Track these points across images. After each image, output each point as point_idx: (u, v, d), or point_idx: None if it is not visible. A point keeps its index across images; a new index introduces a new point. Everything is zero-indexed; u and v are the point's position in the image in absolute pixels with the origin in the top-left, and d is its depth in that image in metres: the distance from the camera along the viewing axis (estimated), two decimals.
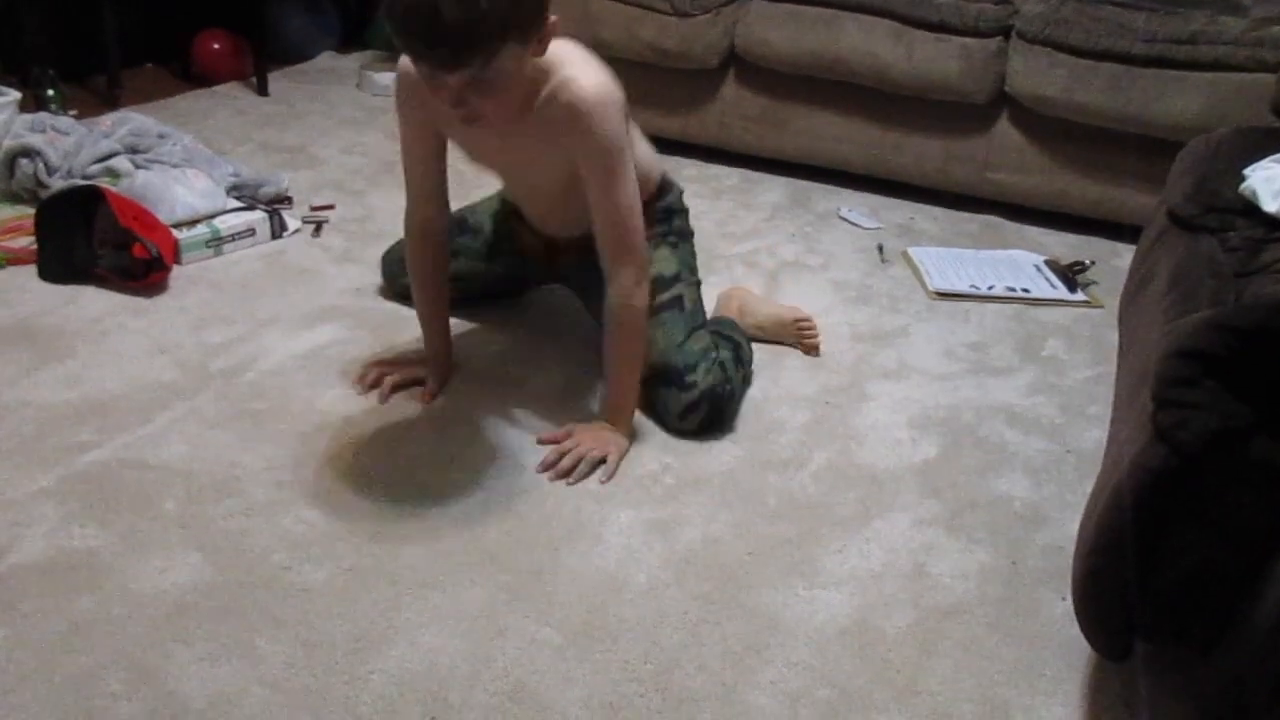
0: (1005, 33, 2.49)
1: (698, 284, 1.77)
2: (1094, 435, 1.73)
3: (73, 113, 2.68)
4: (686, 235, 1.80)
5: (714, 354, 1.67)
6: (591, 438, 1.57)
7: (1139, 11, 2.46)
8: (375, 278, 2.08)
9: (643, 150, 1.67)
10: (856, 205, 2.65)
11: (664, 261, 1.71)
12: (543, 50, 1.37)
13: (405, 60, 1.44)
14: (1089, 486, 1.22)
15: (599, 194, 1.49)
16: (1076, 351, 2.02)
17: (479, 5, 1.21)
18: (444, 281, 1.72)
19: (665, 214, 1.76)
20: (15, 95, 2.31)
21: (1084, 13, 2.44)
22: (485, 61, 1.27)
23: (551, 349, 1.88)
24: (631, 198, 1.51)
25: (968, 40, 2.48)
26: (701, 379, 1.62)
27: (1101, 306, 2.19)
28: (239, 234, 2.17)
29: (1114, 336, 1.69)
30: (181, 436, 1.56)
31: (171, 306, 1.94)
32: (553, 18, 1.34)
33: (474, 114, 1.35)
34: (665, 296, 1.68)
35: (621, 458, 1.57)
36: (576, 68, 1.44)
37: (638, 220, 1.52)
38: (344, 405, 1.67)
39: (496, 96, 1.34)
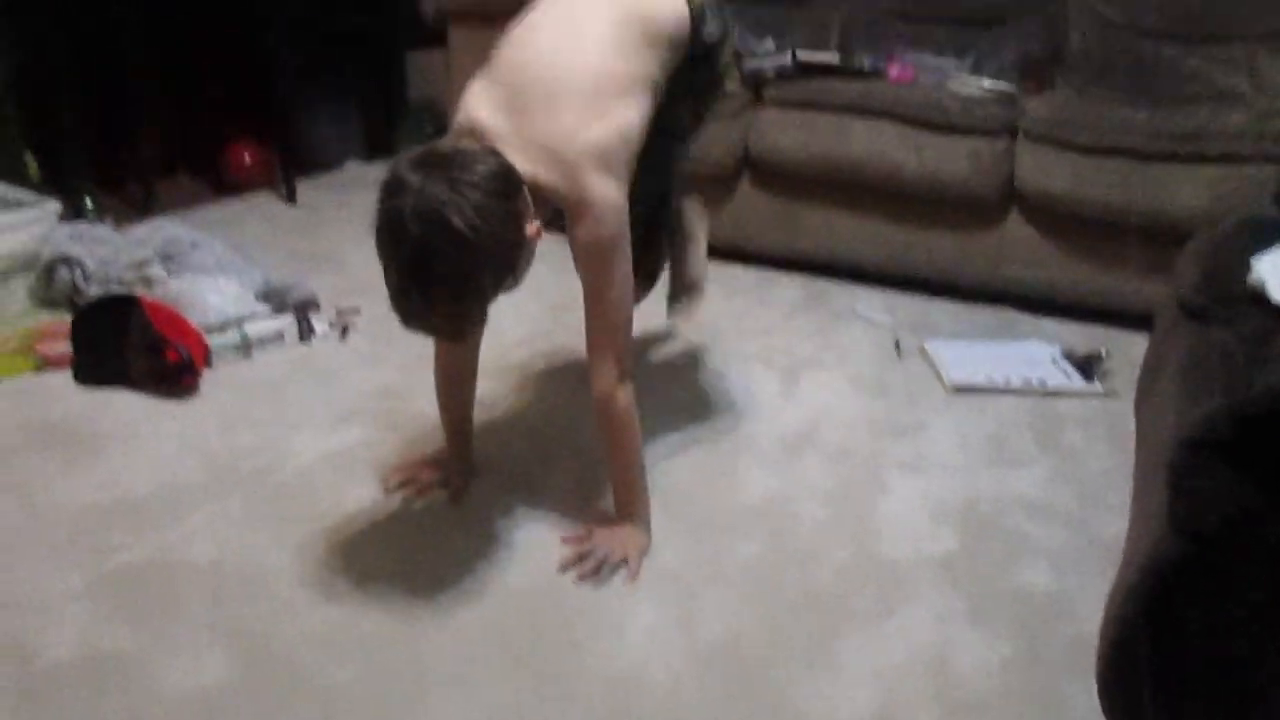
0: (1012, 132, 2.56)
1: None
2: (1115, 525, 1.72)
3: (109, 221, 2.78)
4: (713, 89, 1.80)
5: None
6: (612, 538, 1.59)
7: (1143, 109, 2.53)
8: (400, 379, 2.12)
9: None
10: (872, 302, 2.69)
11: (676, 117, 1.70)
12: (534, 241, 1.40)
13: None
14: (1112, 577, 1.22)
15: (589, 286, 1.51)
16: (1095, 442, 2.02)
17: (465, 314, 1.34)
18: (470, 388, 1.75)
19: (694, 62, 1.66)
20: (55, 205, 2.40)
21: (1088, 112, 2.51)
22: (484, 317, 1.38)
23: (570, 447, 1.91)
24: (622, 299, 1.51)
25: (975, 140, 2.55)
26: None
27: (1119, 397, 2.20)
28: (268, 338, 2.23)
29: (1132, 426, 1.69)
30: (210, 537, 1.58)
31: (202, 409, 1.98)
32: (531, 227, 1.37)
33: None
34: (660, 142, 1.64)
35: (643, 557, 1.58)
36: (585, 176, 1.42)
37: (626, 320, 1.54)
38: (369, 505, 1.69)
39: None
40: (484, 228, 1.27)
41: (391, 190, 1.29)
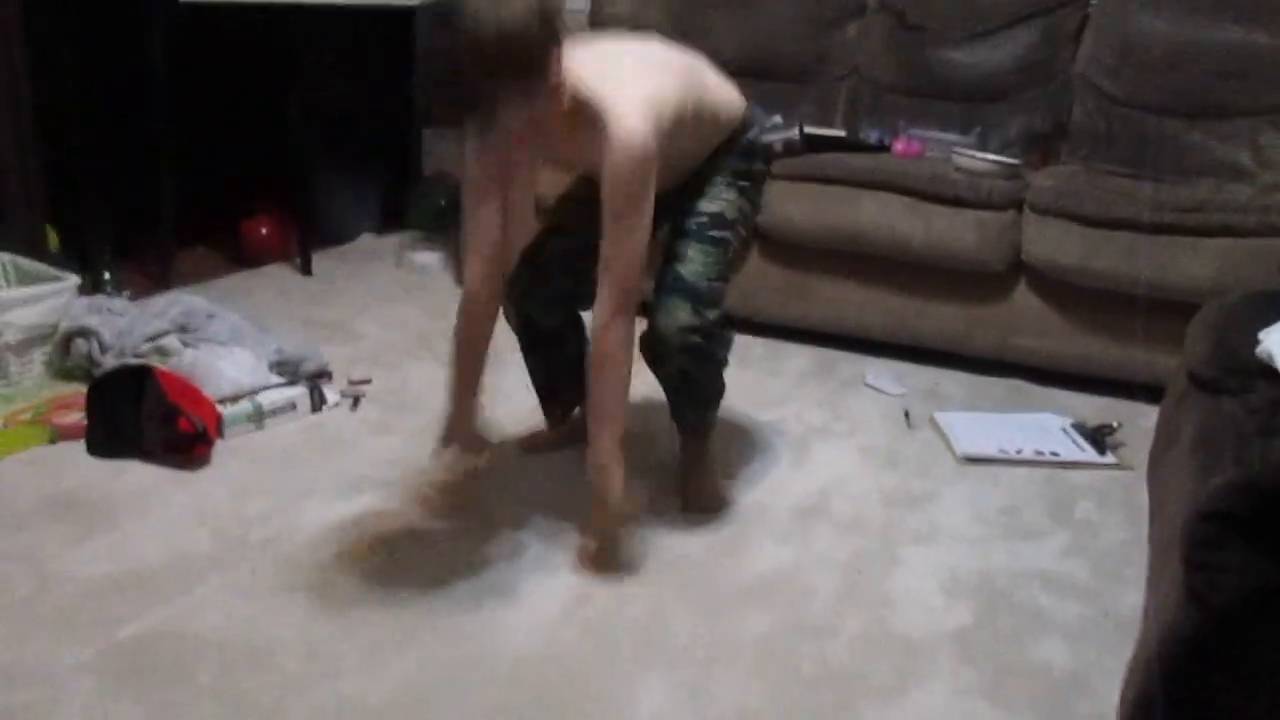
0: (1018, 205, 2.59)
1: (747, 241, 1.91)
2: (1131, 599, 1.71)
3: (127, 293, 2.82)
4: (759, 180, 1.92)
5: (729, 331, 1.85)
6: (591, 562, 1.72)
7: (1147, 182, 2.57)
8: (410, 449, 2.13)
9: (719, 87, 1.81)
10: (882, 371, 2.70)
11: (727, 204, 1.83)
12: (556, 75, 1.53)
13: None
14: (1129, 651, 1.20)
15: (612, 208, 1.57)
16: (1109, 514, 2.01)
17: (488, 95, 1.47)
18: (485, 344, 1.80)
19: (746, 152, 1.87)
20: (74, 279, 2.44)
21: (1094, 185, 2.54)
22: (490, 109, 1.49)
23: (583, 508, 1.90)
24: (644, 231, 1.58)
25: (982, 213, 2.58)
26: (710, 321, 1.76)
27: (1132, 468, 2.19)
28: (280, 408, 2.24)
29: (1145, 497, 1.69)
30: (218, 608, 1.58)
31: (213, 479, 1.99)
32: (556, 71, 1.51)
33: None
34: (715, 233, 1.80)
35: (623, 529, 1.74)
36: (625, 98, 1.56)
37: (643, 254, 1.60)
38: (378, 576, 1.69)
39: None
40: (523, 31, 1.44)
41: None
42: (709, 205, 1.83)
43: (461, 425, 1.82)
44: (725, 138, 1.84)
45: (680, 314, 1.75)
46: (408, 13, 3.76)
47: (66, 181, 3.09)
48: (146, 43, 2.88)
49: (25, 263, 2.50)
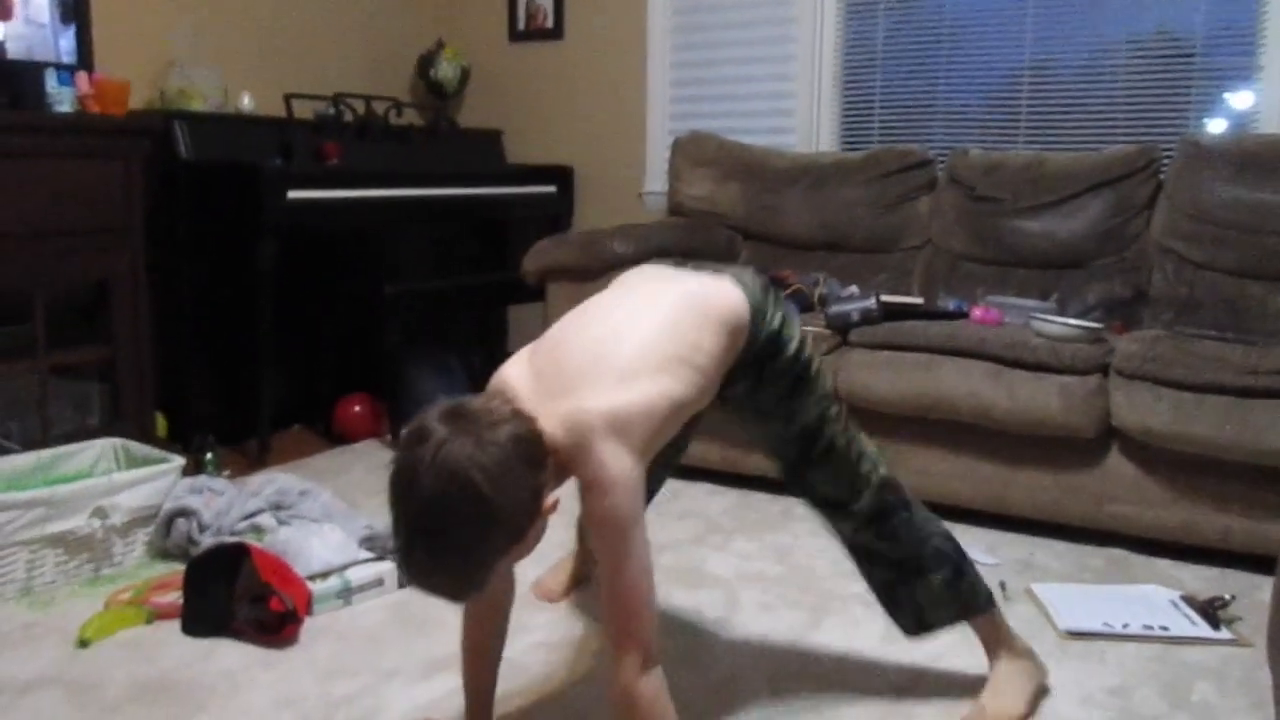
0: (1104, 370, 2.55)
1: (838, 409, 1.71)
2: None
3: (226, 473, 2.92)
4: (798, 360, 1.66)
5: (887, 494, 1.75)
6: None
7: (1235, 346, 2.52)
8: None
9: (710, 310, 1.54)
10: (973, 542, 2.62)
11: (800, 412, 1.68)
12: (548, 514, 1.36)
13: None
14: None
15: (605, 570, 1.40)
16: (1230, 696, 1.88)
17: (469, 576, 1.30)
18: (498, 646, 1.67)
19: (770, 348, 1.63)
20: (179, 462, 2.54)
21: (1180, 349, 2.51)
22: (486, 582, 1.33)
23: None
24: (639, 579, 1.39)
25: (1066, 378, 2.55)
26: (866, 509, 1.73)
27: (1251, 645, 2.06)
28: (368, 585, 2.27)
29: (1267, 677, 1.58)
30: None
31: (301, 658, 2.00)
32: (548, 503, 1.34)
33: None
34: (817, 447, 1.70)
35: None
36: (602, 447, 1.36)
37: (645, 602, 1.40)
38: None
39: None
40: (503, 491, 1.26)
41: (415, 439, 1.28)
42: (788, 430, 1.69)
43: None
44: (745, 345, 1.60)
45: (843, 526, 1.78)
46: (496, 202, 3.98)
47: (175, 371, 3.27)
48: (257, 237, 3.09)
49: (135, 446, 2.62)
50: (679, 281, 1.59)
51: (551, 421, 1.36)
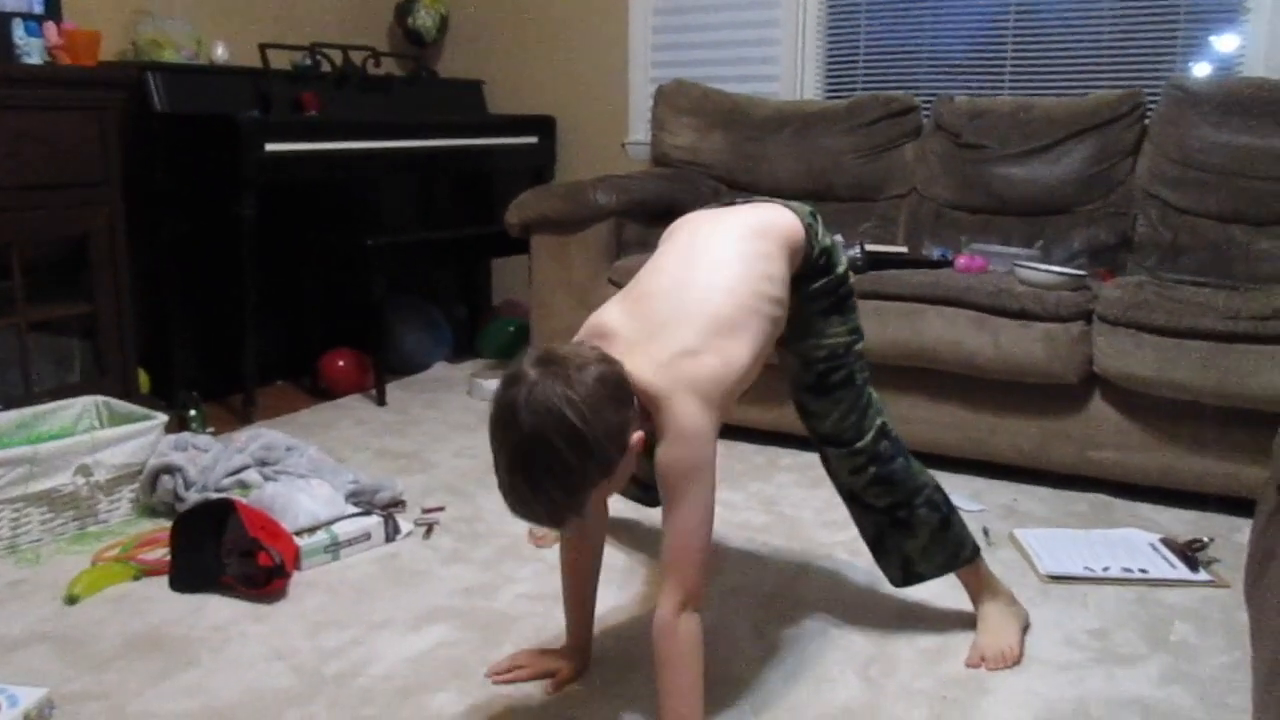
0: (1087, 317, 2.56)
1: (860, 354, 1.80)
2: None
3: (211, 430, 2.92)
4: (844, 285, 1.78)
5: (884, 443, 1.78)
6: None
7: (1218, 291, 2.53)
8: (483, 577, 2.13)
9: (776, 234, 1.66)
10: (957, 489, 2.64)
11: (830, 339, 1.75)
12: (638, 447, 1.44)
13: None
14: None
15: (668, 506, 1.47)
16: (1208, 635, 1.91)
17: (567, 504, 1.39)
18: (594, 572, 1.75)
19: (822, 267, 1.73)
20: (163, 418, 2.53)
21: (1163, 295, 2.51)
22: (582, 509, 1.41)
23: None
24: (698, 528, 1.46)
25: (1050, 325, 2.56)
26: (867, 451, 1.76)
27: (1228, 586, 2.09)
28: (355, 539, 2.27)
29: (1244, 617, 1.61)
30: None
31: (290, 612, 2.01)
32: (635, 437, 1.42)
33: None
34: (834, 376, 1.76)
35: None
36: (682, 399, 1.44)
37: (700, 549, 1.47)
38: (452, 709, 1.67)
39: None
40: (592, 425, 1.35)
41: (510, 381, 1.39)
42: (815, 350, 1.75)
43: (577, 645, 1.79)
44: (801, 261, 1.70)
45: (840, 465, 1.81)
46: (478, 153, 3.94)
47: (158, 327, 3.24)
48: (236, 191, 3.05)
49: (117, 404, 2.60)
50: (738, 217, 1.69)
51: (639, 366, 1.45)
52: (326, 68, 3.68)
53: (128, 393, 2.84)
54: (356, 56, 3.77)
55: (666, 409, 1.43)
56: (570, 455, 1.35)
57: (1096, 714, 1.66)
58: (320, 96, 3.52)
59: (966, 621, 1.96)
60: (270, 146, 3.09)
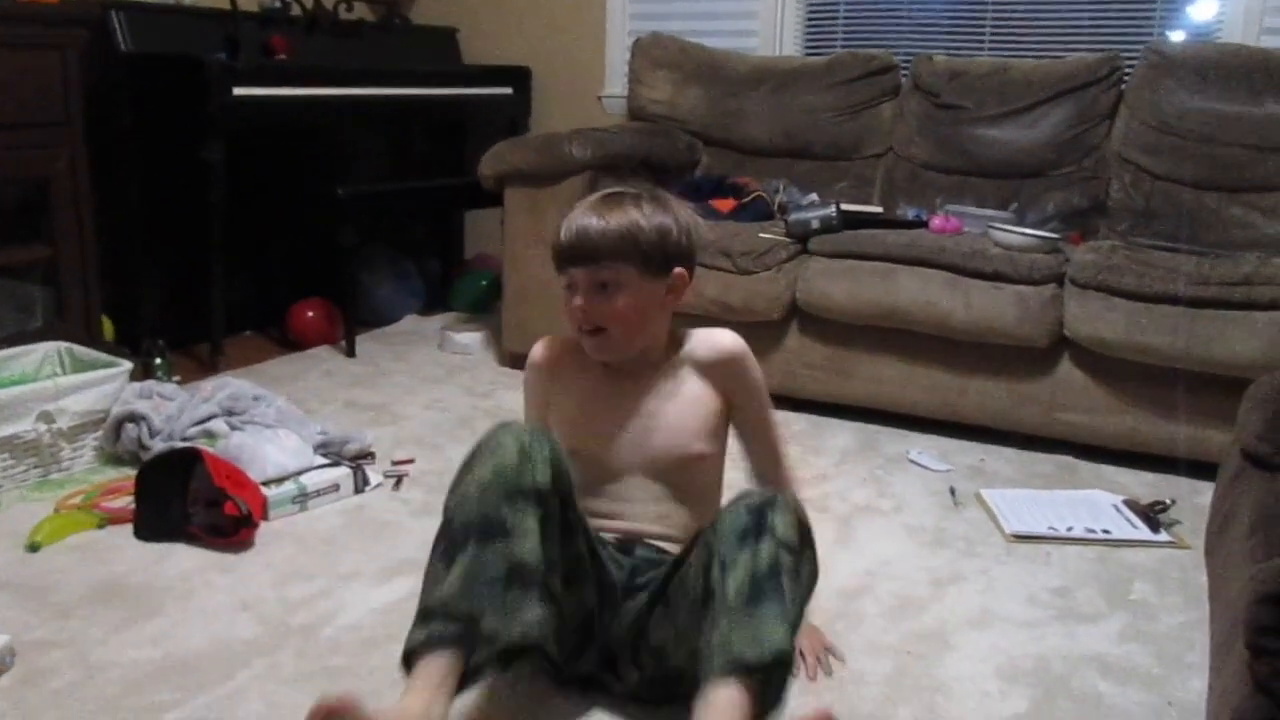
0: (1059, 280, 2.57)
1: None
2: (1195, 685, 1.64)
3: (177, 379, 2.88)
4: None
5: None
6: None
7: (1188, 256, 2.54)
8: None
9: None
10: (926, 448, 2.67)
11: None
12: (671, 300, 1.60)
13: (534, 352, 1.71)
14: None
15: (761, 424, 1.68)
16: (1167, 595, 1.95)
17: (615, 234, 1.54)
18: None
19: None
20: (127, 366, 2.49)
21: (1134, 259, 2.53)
22: (611, 267, 1.53)
23: None
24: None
25: (1022, 288, 2.57)
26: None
27: (1188, 547, 2.13)
28: (324, 490, 2.26)
29: (1203, 577, 1.64)
30: (259, 695, 1.57)
31: (257, 562, 1.99)
32: (679, 270, 1.58)
33: (595, 317, 1.55)
34: None
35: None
36: (707, 331, 1.67)
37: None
38: None
39: (615, 306, 1.54)
40: (680, 218, 1.58)
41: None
42: None
43: None
44: None
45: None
46: (451, 103, 3.88)
47: (123, 273, 3.18)
48: (203, 136, 2.98)
49: (80, 350, 2.56)
50: None
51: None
52: (296, 11, 3.59)
53: (91, 339, 2.79)
54: (327, 0, 3.69)
55: (728, 351, 1.64)
56: (667, 218, 1.56)
57: (1057, 669, 1.69)
58: (290, 40, 3.44)
59: (930, 578, 1.98)
60: (238, 90, 3.02)
